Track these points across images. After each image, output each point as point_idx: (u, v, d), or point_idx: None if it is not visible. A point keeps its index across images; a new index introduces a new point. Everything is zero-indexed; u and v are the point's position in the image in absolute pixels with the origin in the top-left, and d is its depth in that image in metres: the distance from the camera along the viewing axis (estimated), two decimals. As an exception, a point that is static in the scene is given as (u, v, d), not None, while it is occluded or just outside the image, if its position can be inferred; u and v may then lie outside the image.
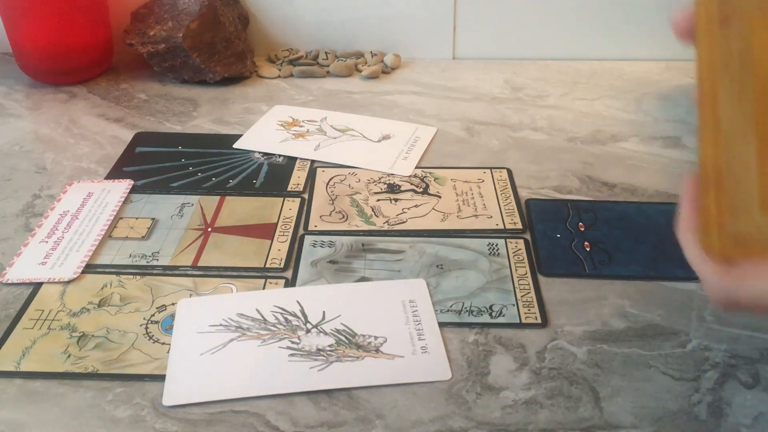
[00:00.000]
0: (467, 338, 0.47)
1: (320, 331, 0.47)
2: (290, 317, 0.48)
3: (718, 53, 0.32)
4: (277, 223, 0.58)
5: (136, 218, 0.59)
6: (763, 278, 0.31)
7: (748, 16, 0.31)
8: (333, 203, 0.61)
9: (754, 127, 0.31)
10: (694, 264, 0.33)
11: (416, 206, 0.60)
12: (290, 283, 0.52)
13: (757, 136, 0.31)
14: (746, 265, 0.31)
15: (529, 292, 0.51)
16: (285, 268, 0.53)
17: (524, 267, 0.53)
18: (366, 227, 0.58)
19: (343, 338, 0.46)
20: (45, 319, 0.48)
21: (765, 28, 0.31)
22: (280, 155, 0.68)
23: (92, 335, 0.47)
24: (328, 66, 0.86)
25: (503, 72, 0.86)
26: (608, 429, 0.41)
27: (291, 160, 0.67)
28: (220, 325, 0.48)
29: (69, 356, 0.45)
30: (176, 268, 0.53)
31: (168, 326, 0.48)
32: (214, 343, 0.46)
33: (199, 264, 0.54)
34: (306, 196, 0.62)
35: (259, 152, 0.68)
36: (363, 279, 0.52)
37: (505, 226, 0.57)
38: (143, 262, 0.54)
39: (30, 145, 0.70)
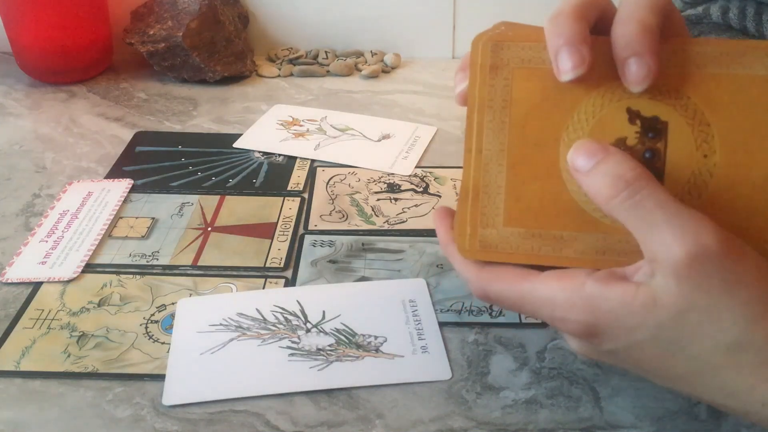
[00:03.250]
0: (467, 338, 0.47)
1: (320, 331, 0.47)
2: (290, 317, 0.48)
3: (486, 93, 0.38)
4: (277, 223, 0.58)
5: (136, 218, 0.59)
6: (501, 282, 0.38)
7: (512, 67, 0.38)
8: (333, 203, 0.61)
9: (506, 156, 0.38)
10: (457, 268, 0.40)
11: (416, 206, 0.60)
12: (290, 282, 0.52)
13: (507, 164, 0.38)
14: (493, 268, 0.38)
15: (529, 292, 0.50)
16: (285, 268, 0.53)
17: (524, 266, 0.53)
18: (366, 227, 0.58)
19: (343, 338, 0.46)
20: (45, 319, 0.48)
21: (523, 78, 0.38)
22: (279, 155, 0.68)
23: (92, 335, 0.47)
24: (328, 65, 0.85)
25: (503, 71, 0.86)
26: (608, 429, 0.41)
27: (291, 160, 0.67)
28: (220, 324, 0.48)
29: (69, 356, 0.45)
30: (176, 267, 0.53)
31: (168, 326, 0.48)
32: (214, 342, 0.46)
33: (199, 263, 0.54)
34: (306, 195, 0.62)
35: (259, 151, 0.68)
36: (363, 278, 0.52)
37: (505, 226, 0.57)
38: (143, 262, 0.54)
39: (30, 145, 0.70)
